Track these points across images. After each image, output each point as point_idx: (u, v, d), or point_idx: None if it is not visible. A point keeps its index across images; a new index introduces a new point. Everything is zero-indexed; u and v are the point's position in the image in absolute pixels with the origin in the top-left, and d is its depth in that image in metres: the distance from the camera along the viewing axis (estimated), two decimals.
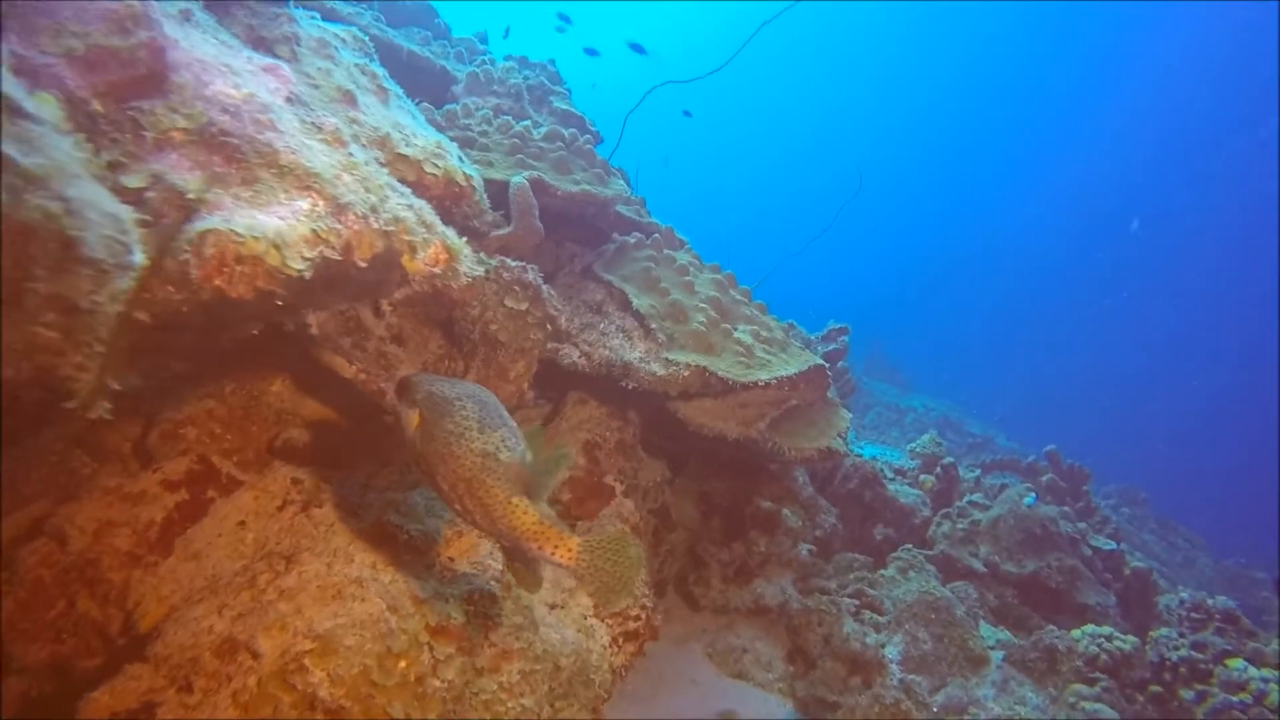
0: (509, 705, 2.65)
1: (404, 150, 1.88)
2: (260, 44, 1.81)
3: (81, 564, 2.44)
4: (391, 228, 1.39)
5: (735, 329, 3.75)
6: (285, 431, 3.38)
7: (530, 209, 3.38)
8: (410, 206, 1.52)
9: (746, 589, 5.38)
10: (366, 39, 2.37)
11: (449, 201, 2.14)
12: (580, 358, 3.67)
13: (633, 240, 4.15)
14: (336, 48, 2.03)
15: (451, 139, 3.79)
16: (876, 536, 6.97)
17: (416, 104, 3.78)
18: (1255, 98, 37.93)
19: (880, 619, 5.39)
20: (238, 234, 1.01)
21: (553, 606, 3.40)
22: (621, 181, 4.17)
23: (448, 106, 3.92)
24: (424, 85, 4.25)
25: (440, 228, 1.63)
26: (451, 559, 2.83)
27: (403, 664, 2.30)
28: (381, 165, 1.67)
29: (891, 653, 5.02)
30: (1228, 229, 44.70)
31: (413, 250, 1.46)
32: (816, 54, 58.61)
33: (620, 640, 3.46)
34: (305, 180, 1.20)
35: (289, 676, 2.03)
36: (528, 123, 3.96)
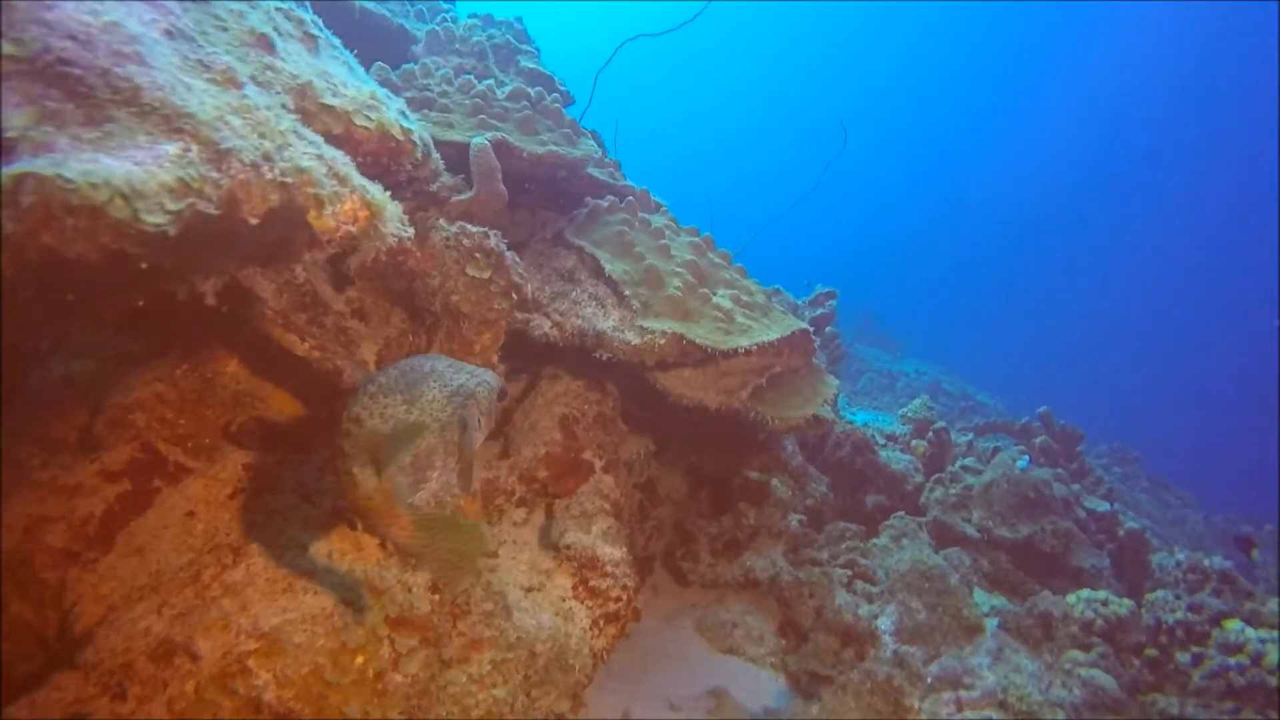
0: (480, 697, 2.51)
1: (329, 100, 1.68)
2: None
3: (12, 564, 2.27)
4: (290, 179, 1.20)
5: (714, 294, 3.57)
6: (242, 414, 3.20)
7: (492, 172, 3.18)
8: (319, 156, 1.32)
9: (736, 562, 5.27)
10: None
11: (386, 158, 1.94)
12: (552, 328, 3.49)
13: (605, 204, 3.95)
14: None
15: (409, 100, 3.58)
16: (869, 504, 6.86)
17: (371, 66, 3.55)
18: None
19: (873, 589, 5.29)
20: (67, 179, 0.83)
21: (529, 590, 3.26)
22: (592, 142, 3.95)
23: (405, 66, 3.68)
24: (381, 45, 4.01)
25: (358, 181, 1.44)
26: None
27: (359, 659, 2.15)
28: (291, 112, 1.47)
29: (885, 624, 4.92)
30: (1217, 179, 44.65)
31: (320, 205, 1.27)
32: (801, 16, 57.87)
33: (601, 622, 3.32)
34: (175, 121, 1.01)
35: (230, 680, 1.87)
36: (490, 82, 3.73)
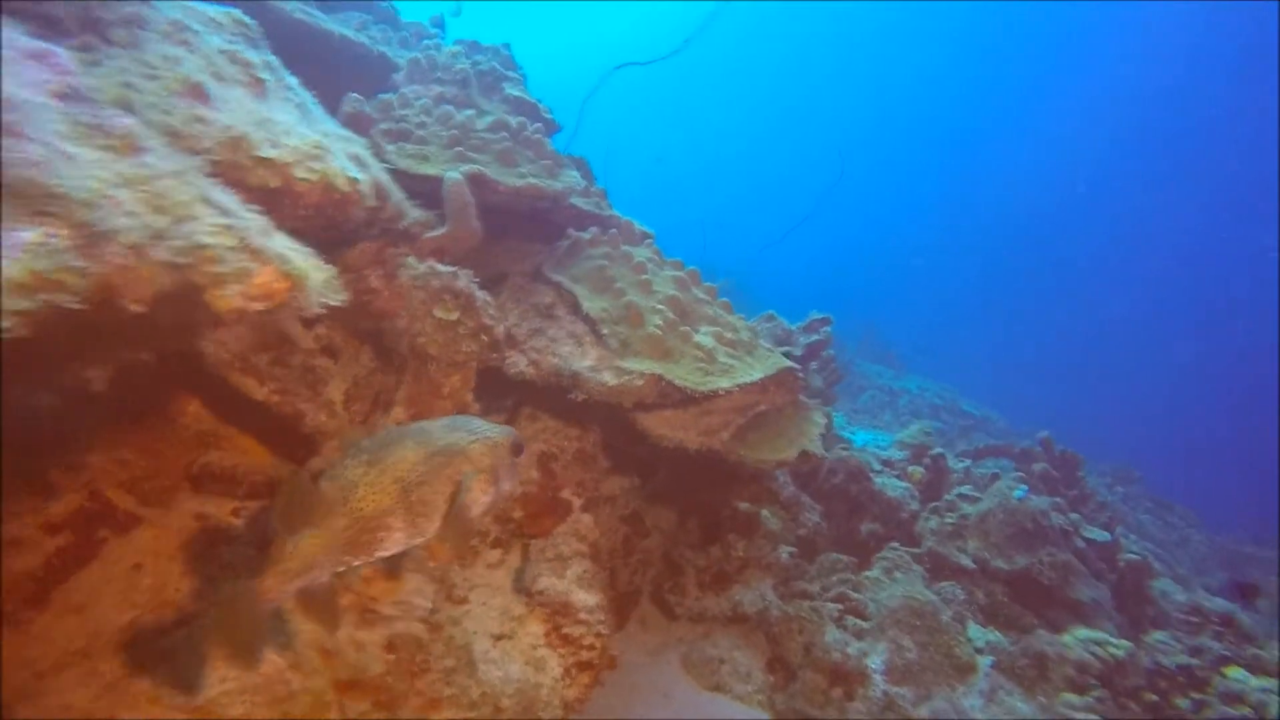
0: None
1: (267, 153, 1.59)
2: (91, 26, 1.53)
3: None
4: (185, 258, 1.11)
5: (696, 331, 3.48)
6: (205, 455, 3.11)
7: (466, 207, 3.09)
8: (227, 227, 1.23)
9: (724, 595, 5.15)
10: (251, 22, 2.07)
11: (331, 210, 1.86)
12: (528, 366, 3.40)
13: (588, 236, 3.86)
14: (199, 31, 1.74)
15: (385, 131, 3.51)
16: (863, 532, 6.73)
17: (346, 97, 3.47)
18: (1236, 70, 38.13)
19: (864, 625, 5.16)
20: None
21: (499, 637, 3.16)
22: (575, 173, 3.86)
23: (382, 96, 3.61)
24: (361, 74, 3.94)
25: (277, 249, 1.35)
26: (373, 599, 2.57)
27: None
28: (209, 174, 1.38)
29: (875, 662, 4.79)
30: (1218, 195, 44.48)
31: (221, 283, 1.18)
32: (794, 41, 57.99)
33: (574, 671, 3.21)
34: (40, 203, 0.93)
35: None
36: (471, 112, 3.65)
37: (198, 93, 1.52)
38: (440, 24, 5.49)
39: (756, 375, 3.34)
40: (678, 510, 5.58)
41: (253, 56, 1.88)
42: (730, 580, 5.24)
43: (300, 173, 1.66)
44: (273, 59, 2.05)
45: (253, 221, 1.35)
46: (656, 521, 5.56)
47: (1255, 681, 3.97)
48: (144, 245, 1.06)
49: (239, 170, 1.54)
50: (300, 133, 1.79)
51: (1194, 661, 4.28)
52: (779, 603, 5.10)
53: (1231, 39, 37.39)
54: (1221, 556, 13.33)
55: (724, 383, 3.17)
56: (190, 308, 1.16)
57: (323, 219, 1.88)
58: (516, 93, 4.33)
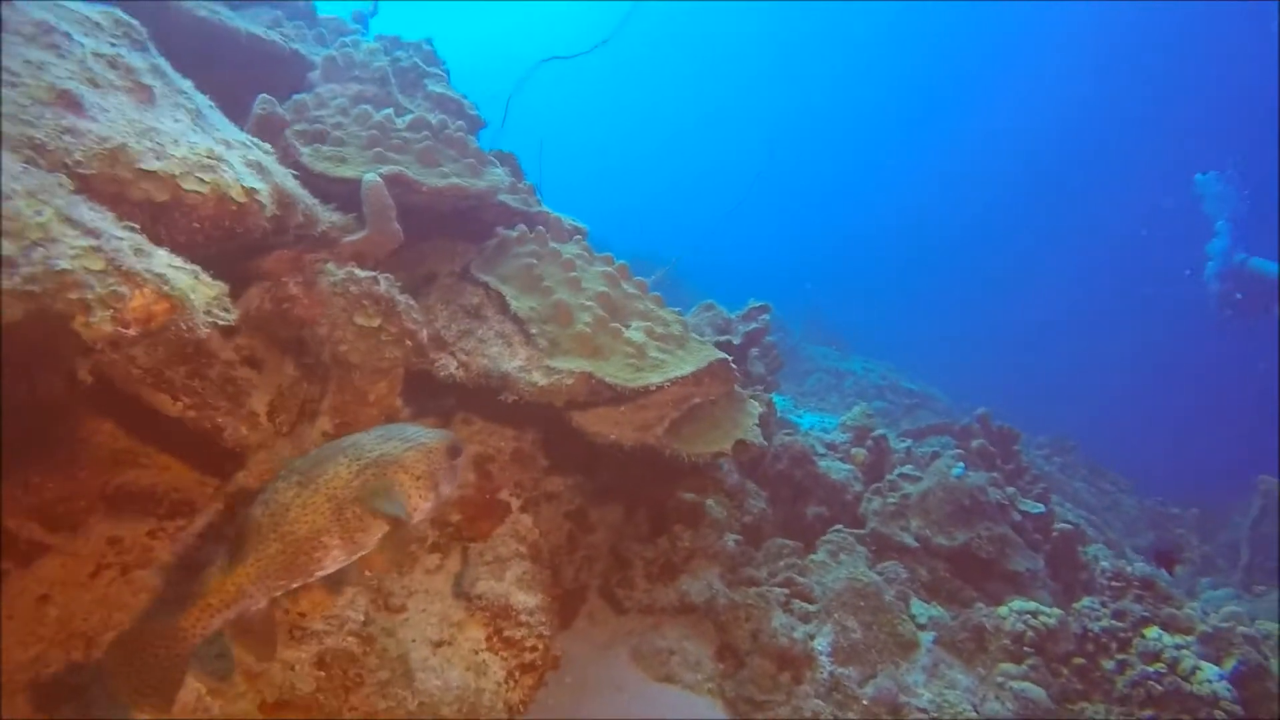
0: None
1: (150, 165, 1.52)
2: None
3: None
4: (39, 285, 1.05)
5: (627, 327, 3.47)
6: (121, 474, 2.99)
7: (385, 210, 3.02)
8: (95, 249, 1.16)
9: (672, 586, 5.18)
10: (134, 23, 1.97)
11: (228, 221, 1.79)
12: (458, 368, 3.35)
13: (515, 234, 3.81)
14: (70, 34, 1.64)
15: (299, 133, 3.40)
16: (809, 516, 6.84)
17: (256, 99, 3.35)
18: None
19: (810, 608, 5.24)
20: None
21: (439, 644, 3.12)
22: (500, 171, 3.81)
23: (296, 97, 3.50)
24: (275, 74, 3.79)
25: (154, 271, 1.29)
26: (302, 615, 2.51)
27: None
28: (81, 191, 1.31)
29: (821, 644, 4.87)
30: (1145, 177, 46.27)
31: (86, 310, 1.12)
32: (732, 32, 58.31)
33: (517, 674, 3.19)
34: None
35: None
36: (389, 111, 3.56)
37: (68, 101, 1.44)
38: (363, 19, 5.35)
39: (688, 369, 3.35)
40: (625, 504, 5.58)
41: (137, 61, 1.79)
42: (678, 571, 5.27)
43: (190, 184, 1.59)
44: (161, 62, 1.96)
45: (126, 241, 1.28)
46: (603, 516, 5.55)
47: (1169, 639, 4.16)
48: None
49: (119, 184, 1.46)
50: (190, 141, 1.72)
51: (1118, 624, 4.46)
52: (726, 591, 5.14)
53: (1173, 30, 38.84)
54: (1150, 518, 13.93)
55: (655, 378, 3.17)
56: (57, 337, 1.10)
57: (220, 231, 1.81)
58: (439, 89, 4.24)
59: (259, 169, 1.97)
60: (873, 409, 15.20)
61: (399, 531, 2.06)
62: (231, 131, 2.10)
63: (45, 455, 2.87)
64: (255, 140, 2.27)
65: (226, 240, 1.92)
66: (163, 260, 1.35)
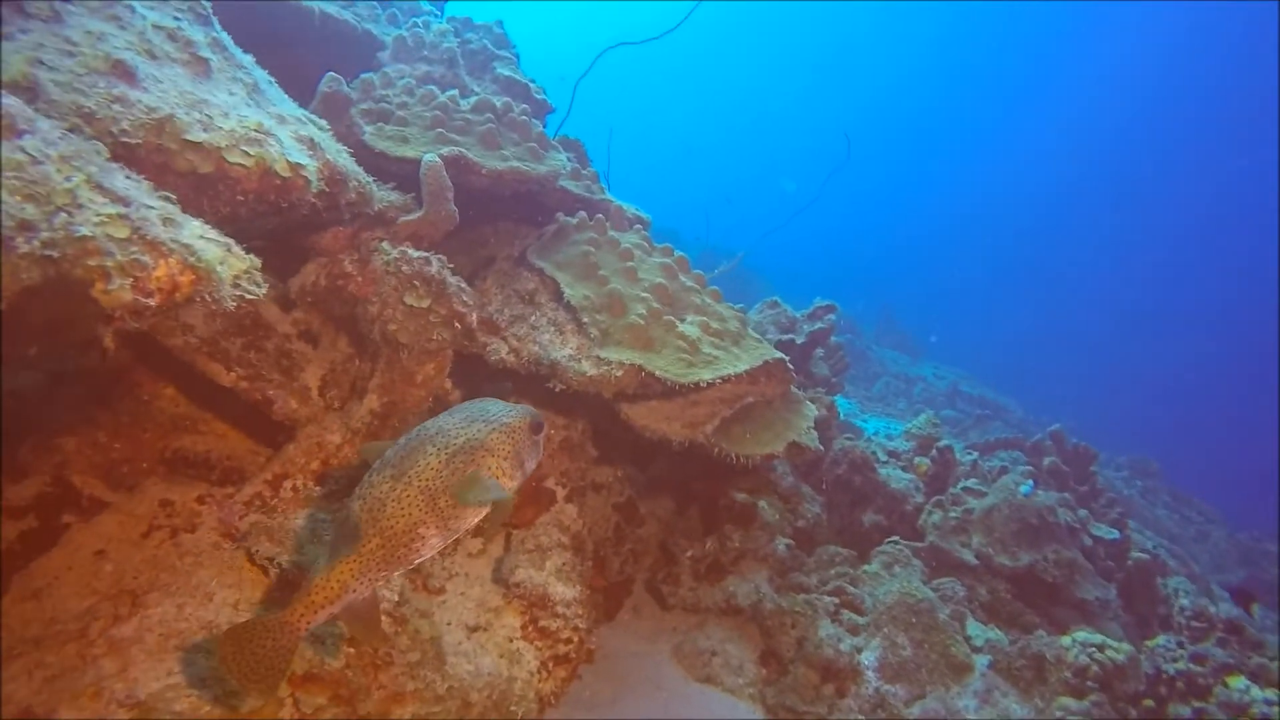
0: None
1: (196, 136, 1.52)
2: None
3: None
4: (59, 250, 1.04)
5: (682, 321, 3.38)
6: (181, 439, 3.09)
7: (442, 191, 3.01)
8: (120, 217, 1.16)
9: (718, 586, 5.10)
10: None
11: (273, 195, 1.79)
12: (509, 353, 3.33)
13: (574, 221, 3.76)
14: (134, 6, 1.66)
15: (363, 112, 3.43)
16: (866, 524, 6.63)
17: (324, 77, 3.39)
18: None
19: (860, 620, 5.07)
20: None
21: (474, 629, 3.11)
22: (562, 156, 3.76)
23: (363, 76, 3.53)
24: (346, 54, 3.85)
25: (181, 241, 1.28)
26: None
27: None
28: (124, 159, 1.30)
29: (869, 658, 4.71)
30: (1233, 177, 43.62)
31: (105, 277, 1.11)
32: (808, 26, 57.36)
33: (550, 665, 3.17)
34: None
35: None
36: (454, 92, 3.55)
37: (121, 71, 1.45)
38: (439, 1, 5.39)
39: (742, 367, 3.24)
40: (677, 499, 5.52)
41: (197, 34, 1.80)
42: (725, 571, 5.18)
43: (234, 157, 1.59)
44: (223, 36, 1.98)
45: (156, 210, 1.28)
46: (653, 510, 5.50)
47: (1258, 692, 3.83)
48: (8, 238, 0.99)
49: (164, 154, 1.47)
50: (241, 115, 1.72)
51: (1196, 669, 4.14)
52: (774, 595, 5.02)
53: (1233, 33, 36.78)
54: (1241, 553, 13.06)
55: (706, 374, 3.08)
56: (70, 303, 1.10)
57: (265, 205, 1.81)
58: (507, 72, 4.23)
59: (310, 145, 1.97)
60: (941, 418, 14.72)
61: (497, 513, 2.13)
62: (288, 107, 2.11)
63: (113, 417, 2.98)
64: (312, 116, 2.29)
65: (272, 214, 1.92)
66: (194, 231, 1.35)
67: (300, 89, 3.40)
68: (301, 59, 3.44)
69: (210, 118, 1.61)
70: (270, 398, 2.73)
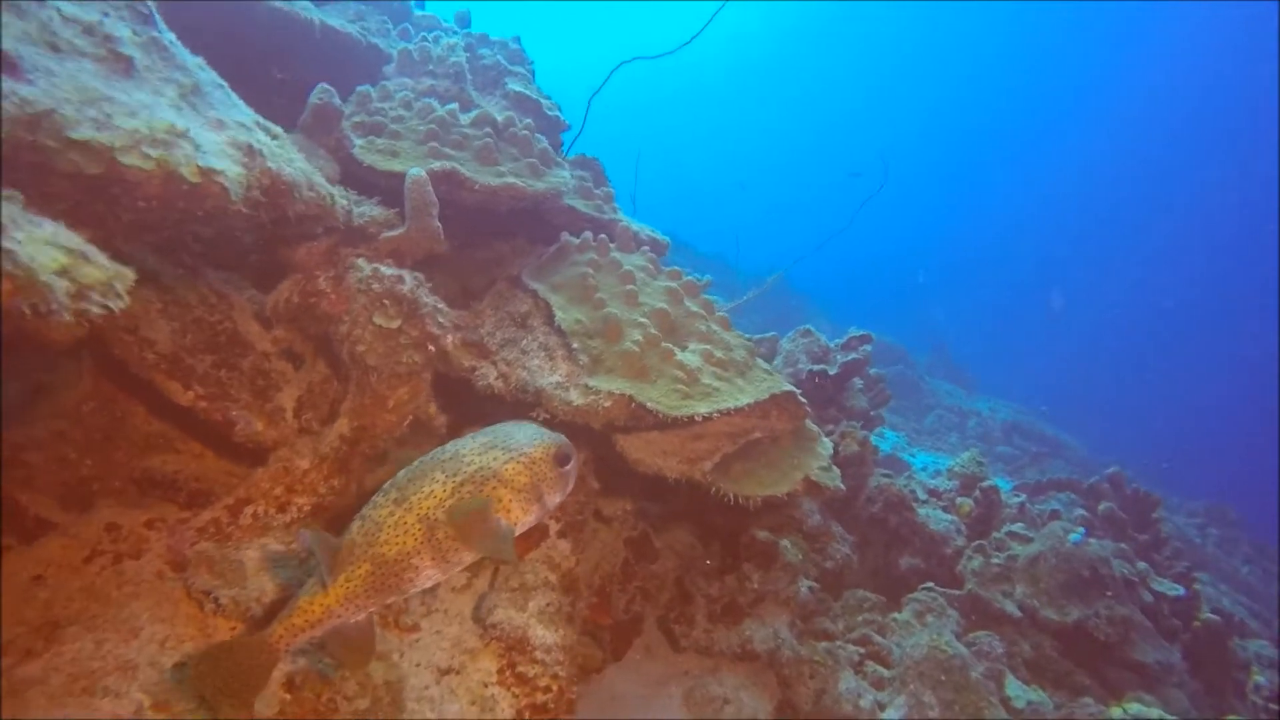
0: None
1: (82, 134, 1.37)
2: None
3: None
4: None
5: (682, 349, 3.15)
6: (155, 458, 2.98)
7: (426, 206, 2.86)
8: None
9: (734, 630, 4.78)
10: None
11: (182, 202, 1.64)
12: (497, 379, 3.14)
13: (577, 242, 3.58)
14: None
15: (355, 125, 3.32)
16: (903, 567, 6.25)
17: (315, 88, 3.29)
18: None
19: (885, 673, 4.70)
20: None
21: (445, 672, 2.90)
22: (565, 173, 3.59)
23: (360, 89, 3.43)
24: (350, 68, 3.77)
25: (4, 246, 1.13)
26: None
27: None
28: None
29: (892, 716, 4.34)
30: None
31: None
32: (840, 49, 56.78)
33: (526, 714, 2.93)
34: None
35: None
36: (453, 106, 3.42)
37: (3, 62, 1.33)
38: (466, 20, 5.32)
39: (744, 400, 2.99)
40: (698, 533, 5.25)
41: (121, 31, 1.69)
42: (742, 613, 4.86)
43: (130, 159, 1.45)
44: (164, 35, 1.86)
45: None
46: (672, 544, 5.24)
47: None
48: None
49: (41, 153, 1.34)
50: (154, 116, 1.58)
51: None
52: (793, 642, 4.69)
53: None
54: None
55: (702, 408, 2.83)
56: None
57: (175, 212, 1.67)
58: (519, 88, 4.09)
59: (247, 152, 1.83)
60: (993, 454, 14.04)
61: (498, 546, 2.00)
62: (236, 113, 1.98)
63: (85, 433, 2.89)
64: (267, 124, 2.16)
65: (188, 223, 1.79)
66: (35, 235, 1.20)
67: (299, 103, 3.32)
68: (303, 72, 3.37)
69: (110, 116, 1.48)
70: (232, 419, 2.60)
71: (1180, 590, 5.94)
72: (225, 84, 2.08)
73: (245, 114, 2.05)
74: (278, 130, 2.20)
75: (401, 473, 2.00)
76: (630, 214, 4.82)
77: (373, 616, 1.99)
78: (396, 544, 1.89)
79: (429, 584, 2.01)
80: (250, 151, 1.85)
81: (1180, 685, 5.61)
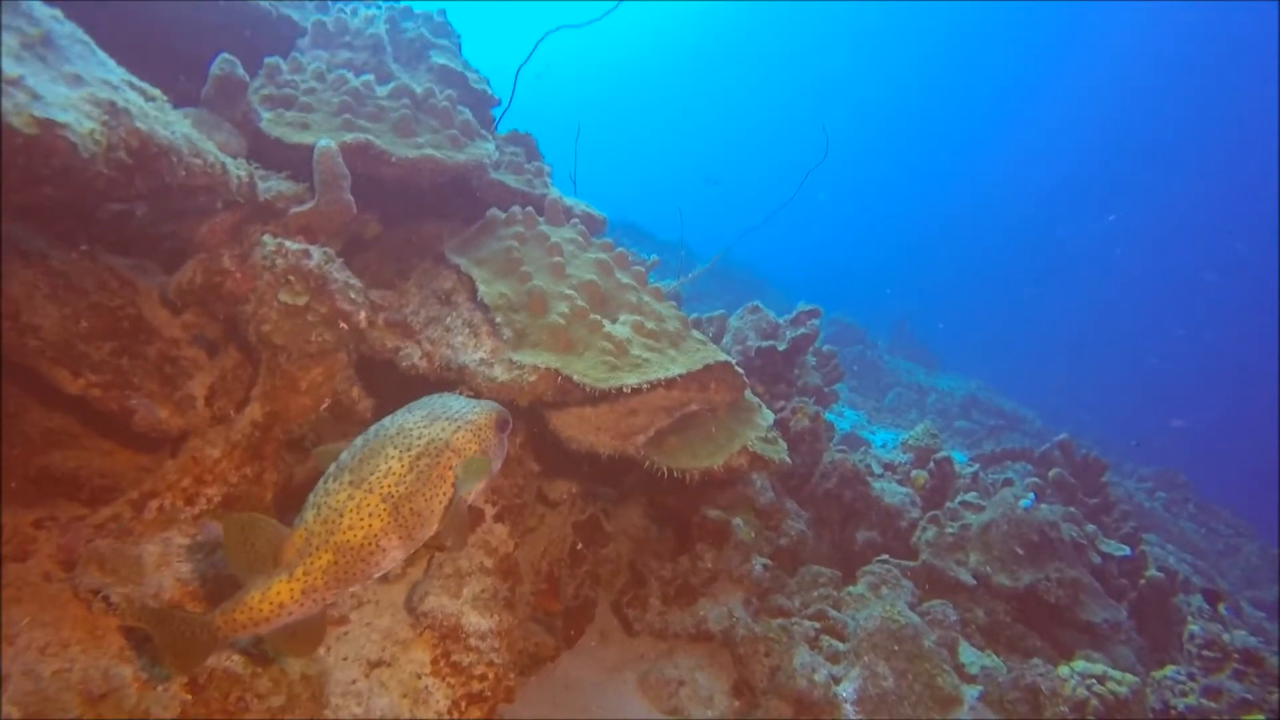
0: None
1: None
2: None
3: None
4: None
5: (612, 321, 3.05)
6: (51, 455, 2.80)
7: (336, 179, 2.72)
8: None
9: (688, 611, 4.72)
10: None
11: (22, 159, 1.49)
12: (421, 359, 3.02)
13: (503, 216, 3.46)
14: None
15: (264, 98, 3.15)
16: (859, 542, 6.25)
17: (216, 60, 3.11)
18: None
19: (841, 647, 4.68)
20: None
21: (375, 665, 2.79)
22: (489, 145, 3.46)
23: (267, 60, 3.25)
24: (260, 41, 3.57)
25: None
26: None
27: None
28: None
29: (847, 690, 4.31)
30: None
31: None
32: (804, 28, 57.25)
33: (463, 704, 2.83)
34: None
35: None
36: (369, 77, 3.27)
37: None
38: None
39: (676, 370, 2.90)
40: (652, 515, 5.18)
41: None
42: (696, 594, 4.80)
43: None
44: None
45: None
46: (625, 527, 5.17)
47: None
48: None
49: None
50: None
51: (1209, 705, 3.71)
52: (748, 620, 4.64)
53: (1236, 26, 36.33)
54: (1276, 567, 12.38)
55: (631, 379, 2.74)
56: None
57: (15, 171, 1.53)
58: (443, 60, 3.94)
59: (109, 109, 1.69)
60: (951, 429, 14.22)
61: (458, 518, 2.00)
62: (101, 70, 1.83)
63: None
64: (143, 85, 2.01)
65: (36, 184, 1.64)
66: None
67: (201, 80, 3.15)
68: (211, 46, 3.18)
69: None
70: (130, 408, 2.44)
71: (1127, 550, 6.04)
72: (90, 41, 1.92)
73: (114, 72, 1.90)
74: (155, 93, 2.05)
75: (344, 454, 1.92)
76: (571, 194, 4.70)
77: (324, 608, 1.89)
78: (363, 527, 1.82)
79: (391, 565, 1.95)
80: (113, 109, 1.71)
81: (1127, 642, 5.70)
